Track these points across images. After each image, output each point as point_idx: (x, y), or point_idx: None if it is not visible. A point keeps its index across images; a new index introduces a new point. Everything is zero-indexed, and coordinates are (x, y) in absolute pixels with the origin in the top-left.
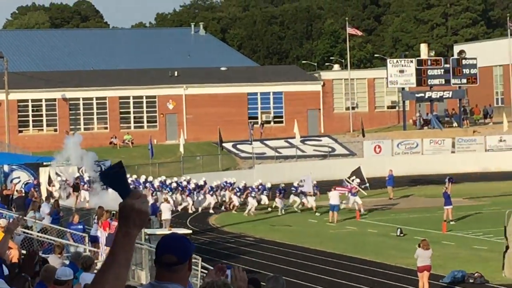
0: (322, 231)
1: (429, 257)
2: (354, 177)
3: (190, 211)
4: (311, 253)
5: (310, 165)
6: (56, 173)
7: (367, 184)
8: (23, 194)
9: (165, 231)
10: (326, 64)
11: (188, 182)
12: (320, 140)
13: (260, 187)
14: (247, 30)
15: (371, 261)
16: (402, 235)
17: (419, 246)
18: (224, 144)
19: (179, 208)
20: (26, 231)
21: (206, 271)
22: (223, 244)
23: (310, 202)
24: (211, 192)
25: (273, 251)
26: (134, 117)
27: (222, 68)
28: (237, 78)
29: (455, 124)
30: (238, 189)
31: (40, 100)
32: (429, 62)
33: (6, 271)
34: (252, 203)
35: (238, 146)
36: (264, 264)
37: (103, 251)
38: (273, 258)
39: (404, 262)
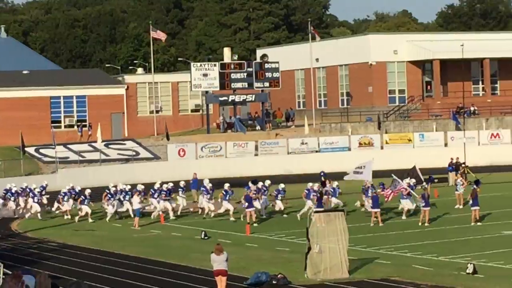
0: (126, 235)
1: (223, 261)
2: (409, 178)
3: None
4: (115, 258)
5: (115, 169)
6: None
7: (424, 184)
8: None
9: None
10: (130, 67)
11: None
12: (124, 144)
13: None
14: (49, 33)
15: (176, 265)
16: (206, 238)
17: (212, 252)
18: (26, 149)
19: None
20: None
21: None
22: (26, 250)
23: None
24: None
25: (76, 256)
26: None
27: (24, 72)
28: (40, 82)
29: (258, 127)
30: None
31: None
32: (232, 66)
33: None
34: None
35: (41, 150)
36: (67, 270)
37: None
38: (76, 263)
39: (209, 265)
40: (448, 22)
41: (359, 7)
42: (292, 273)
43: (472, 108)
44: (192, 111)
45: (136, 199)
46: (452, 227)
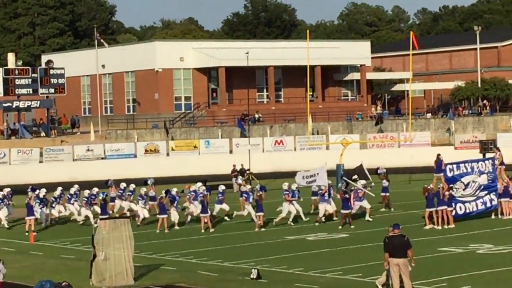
0: None
1: None
2: (356, 177)
3: None
4: None
5: None
6: None
7: (373, 184)
8: None
9: None
10: None
11: None
12: None
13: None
14: None
15: None
16: None
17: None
18: None
19: None
20: None
21: None
22: None
23: (328, 207)
24: None
25: None
26: None
27: None
28: None
29: (43, 133)
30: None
31: None
32: (16, 72)
33: None
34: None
35: None
36: None
37: None
38: None
39: None
40: (234, 30)
41: (145, 14)
42: (77, 280)
43: (256, 115)
44: None
45: None
46: (237, 233)
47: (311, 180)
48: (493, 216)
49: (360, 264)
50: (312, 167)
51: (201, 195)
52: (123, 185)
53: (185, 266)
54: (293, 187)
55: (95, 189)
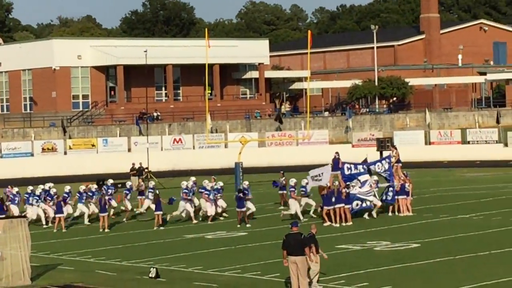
0: None
1: None
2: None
3: None
4: None
5: None
6: None
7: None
8: None
9: None
10: None
11: None
12: None
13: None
14: None
15: None
16: None
17: None
18: None
19: None
20: None
21: None
22: None
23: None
24: None
25: None
26: None
27: None
28: None
29: None
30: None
31: None
32: None
33: None
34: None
35: None
36: None
37: None
38: None
39: None
40: (132, 28)
41: (42, 11)
42: None
43: (155, 114)
44: None
45: None
46: (136, 232)
47: (317, 179)
48: (390, 213)
49: (259, 262)
50: (217, 165)
51: (214, 193)
52: (110, 181)
53: (83, 265)
54: (303, 183)
55: (68, 187)
